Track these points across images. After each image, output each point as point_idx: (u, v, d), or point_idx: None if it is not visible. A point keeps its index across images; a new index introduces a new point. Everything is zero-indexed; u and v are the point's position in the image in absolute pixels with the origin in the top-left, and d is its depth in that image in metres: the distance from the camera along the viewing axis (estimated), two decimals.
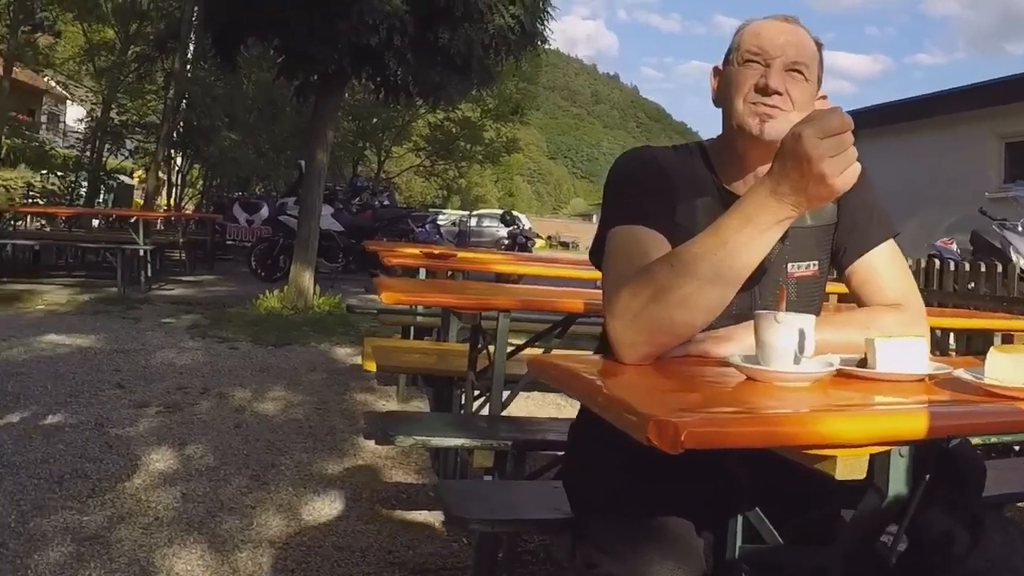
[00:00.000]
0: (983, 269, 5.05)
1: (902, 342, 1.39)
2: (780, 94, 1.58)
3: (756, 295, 1.65)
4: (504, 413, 3.04)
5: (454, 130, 26.28)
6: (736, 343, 1.49)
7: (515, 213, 23.85)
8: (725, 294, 1.40)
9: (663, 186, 1.64)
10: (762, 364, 1.32)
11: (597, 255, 1.67)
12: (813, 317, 1.34)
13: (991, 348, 1.31)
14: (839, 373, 1.34)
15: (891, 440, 1.10)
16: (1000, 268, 4.97)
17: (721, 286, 1.38)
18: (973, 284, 5.15)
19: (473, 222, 25.68)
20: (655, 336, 1.40)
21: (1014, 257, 6.85)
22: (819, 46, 1.66)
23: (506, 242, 18.50)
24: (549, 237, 24.37)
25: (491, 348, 3.09)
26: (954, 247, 9.00)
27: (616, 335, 1.42)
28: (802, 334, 1.30)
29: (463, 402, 3.51)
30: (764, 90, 1.58)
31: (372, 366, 4.02)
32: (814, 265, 1.70)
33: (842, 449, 1.05)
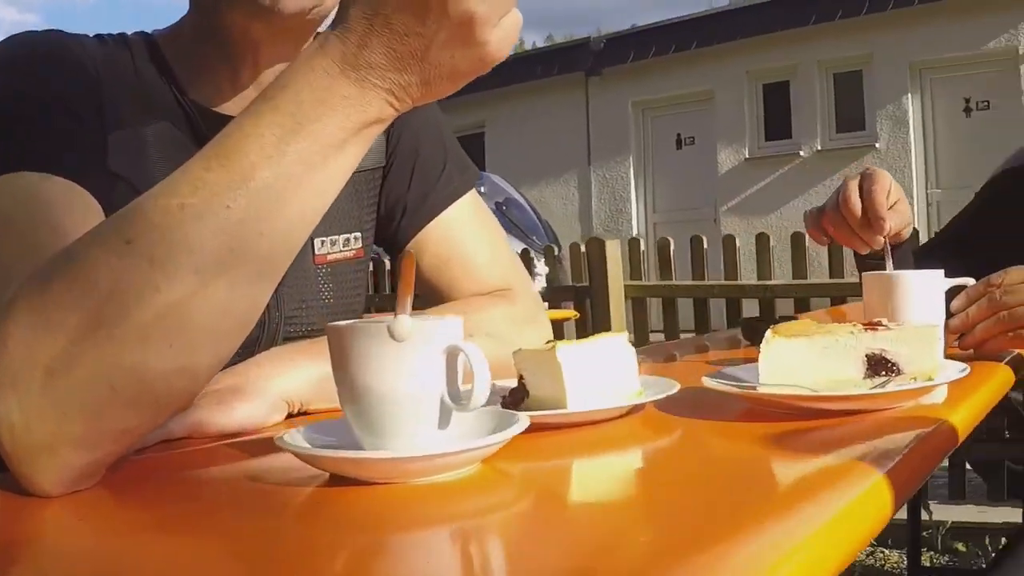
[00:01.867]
0: None
1: (600, 345, 0.78)
2: None
3: (272, 305, 0.96)
4: None
5: None
6: (261, 400, 0.79)
7: None
8: (258, 291, 0.63)
9: (84, 101, 0.87)
10: (362, 440, 0.62)
11: None
12: (460, 320, 0.66)
13: (767, 333, 0.77)
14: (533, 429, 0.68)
15: None
16: None
17: (253, 277, 0.62)
18: None
19: None
20: (109, 414, 0.59)
21: None
22: None
23: None
24: None
25: None
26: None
27: (9, 428, 0.58)
28: (454, 356, 0.61)
29: None
30: None
31: None
32: (356, 239, 1.06)
33: None
